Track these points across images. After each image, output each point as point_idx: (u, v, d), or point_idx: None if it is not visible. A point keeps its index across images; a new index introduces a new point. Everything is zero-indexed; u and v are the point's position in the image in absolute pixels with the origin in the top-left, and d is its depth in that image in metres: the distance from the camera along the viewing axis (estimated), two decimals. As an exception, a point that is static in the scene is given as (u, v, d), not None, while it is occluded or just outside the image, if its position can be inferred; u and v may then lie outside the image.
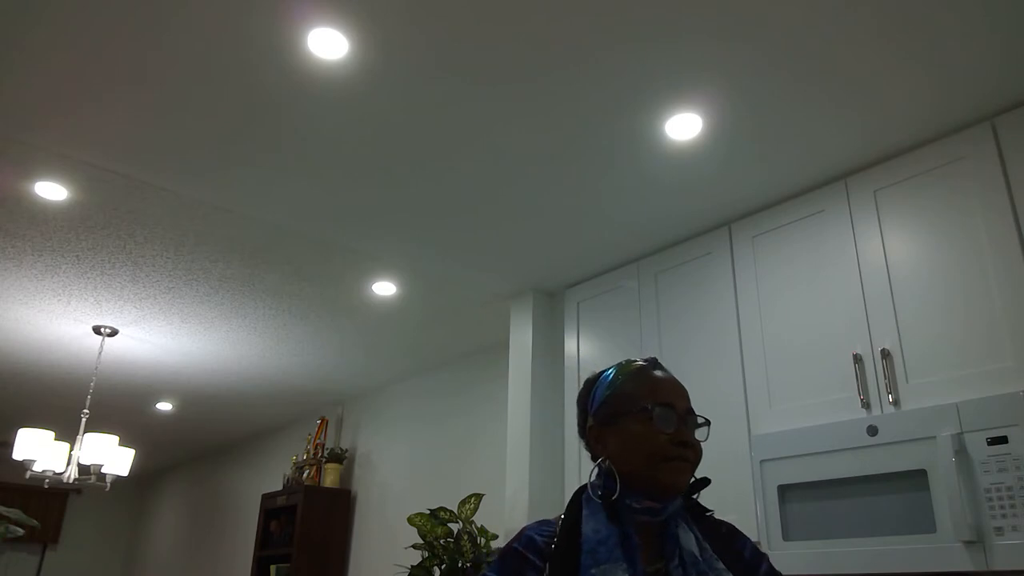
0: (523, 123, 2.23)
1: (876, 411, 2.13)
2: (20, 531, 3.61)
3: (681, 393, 1.14)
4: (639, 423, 1.09)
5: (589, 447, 1.18)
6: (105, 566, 8.37)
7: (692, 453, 1.09)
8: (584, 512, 1.09)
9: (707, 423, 1.14)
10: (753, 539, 2.28)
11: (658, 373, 1.16)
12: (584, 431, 1.19)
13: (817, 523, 2.10)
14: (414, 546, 3.42)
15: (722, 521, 1.19)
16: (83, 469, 6.41)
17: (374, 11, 1.82)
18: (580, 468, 2.94)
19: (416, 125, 2.25)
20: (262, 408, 5.85)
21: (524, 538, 1.08)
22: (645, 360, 1.19)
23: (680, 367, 2.70)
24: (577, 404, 1.23)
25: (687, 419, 1.11)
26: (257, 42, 1.93)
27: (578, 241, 2.92)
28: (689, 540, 1.09)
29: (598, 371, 1.22)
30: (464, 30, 1.87)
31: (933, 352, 2.07)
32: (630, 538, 1.05)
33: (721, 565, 1.09)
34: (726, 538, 1.16)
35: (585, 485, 1.15)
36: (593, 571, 1.00)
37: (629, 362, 1.19)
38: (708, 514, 1.16)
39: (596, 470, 1.14)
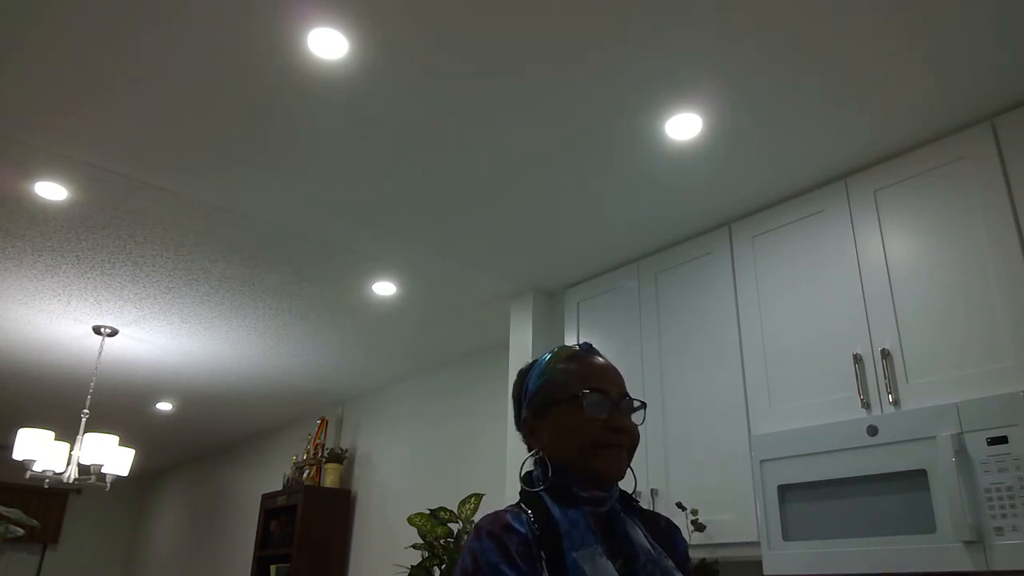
0: (523, 123, 2.23)
1: (876, 411, 2.13)
2: (20, 531, 3.61)
3: (614, 378, 1.11)
4: (571, 412, 1.07)
5: (525, 439, 1.14)
6: (105, 566, 8.37)
7: (627, 438, 1.07)
8: (546, 499, 1.05)
9: (643, 406, 1.11)
10: (753, 539, 2.29)
11: (590, 359, 1.13)
12: (519, 423, 1.16)
13: (817, 523, 2.10)
14: (414, 546, 3.42)
15: (659, 515, 1.17)
16: (83, 469, 6.41)
17: (374, 11, 1.82)
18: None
19: (416, 125, 2.25)
20: (262, 408, 5.85)
21: (515, 523, 0.99)
22: (579, 345, 1.16)
23: (680, 367, 2.70)
24: (512, 396, 1.19)
25: (620, 404, 1.08)
26: (257, 42, 1.93)
27: (578, 241, 2.92)
28: (638, 535, 1.07)
29: (531, 360, 1.19)
30: (464, 30, 1.87)
31: (933, 352, 2.07)
32: (591, 525, 1.03)
33: (670, 562, 1.07)
34: (665, 532, 1.14)
35: (526, 475, 1.11)
36: (574, 554, 0.97)
37: (562, 349, 1.16)
38: (640, 505, 1.15)
39: (530, 461, 1.11)
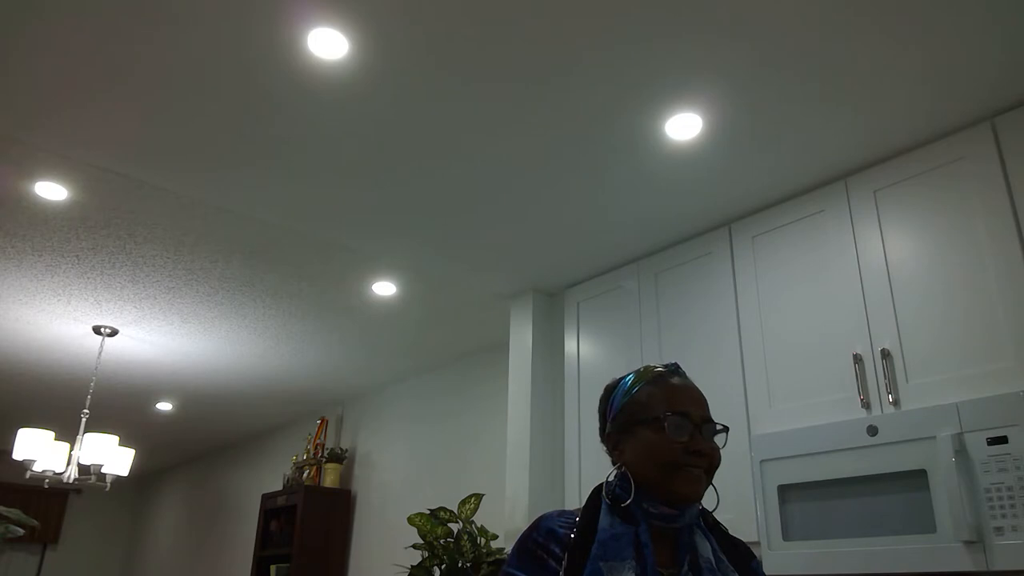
0: (524, 123, 2.23)
1: (876, 411, 2.13)
2: (20, 531, 3.61)
3: (698, 401, 1.14)
4: (653, 431, 1.10)
5: (609, 452, 1.19)
6: (105, 566, 8.37)
7: (706, 461, 1.09)
8: (603, 507, 1.10)
9: (725, 430, 1.14)
10: (753, 539, 2.29)
11: (675, 380, 1.16)
12: (604, 437, 1.20)
13: (817, 523, 2.10)
14: (414, 546, 3.42)
15: (738, 539, 1.20)
16: (83, 469, 6.41)
17: (374, 11, 1.82)
18: (580, 468, 2.94)
19: (416, 125, 2.25)
20: (262, 408, 5.85)
21: (544, 529, 1.08)
22: (664, 367, 1.19)
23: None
24: (598, 410, 1.24)
25: (703, 427, 1.11)
26: (257, 42, 1.93)
27: (578, 241, 2.92)
28: (706, 548, 1.10)
29: (618, 377, 1.23)
30: (465, 30, 1.87)
31: (933, 352, 2.07)
32: (642, 539, 1.05)
33: (735, 574, 1.10)
34: (743, 556, 1.17)
35: (603, 483, 1.16)
36: (601, 563, 1.01)
37: (648, 369, 1.19)
38: (723, 529, 1.18)
39: (615, 473, 1.15)
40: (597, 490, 1.15)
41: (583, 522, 1.08)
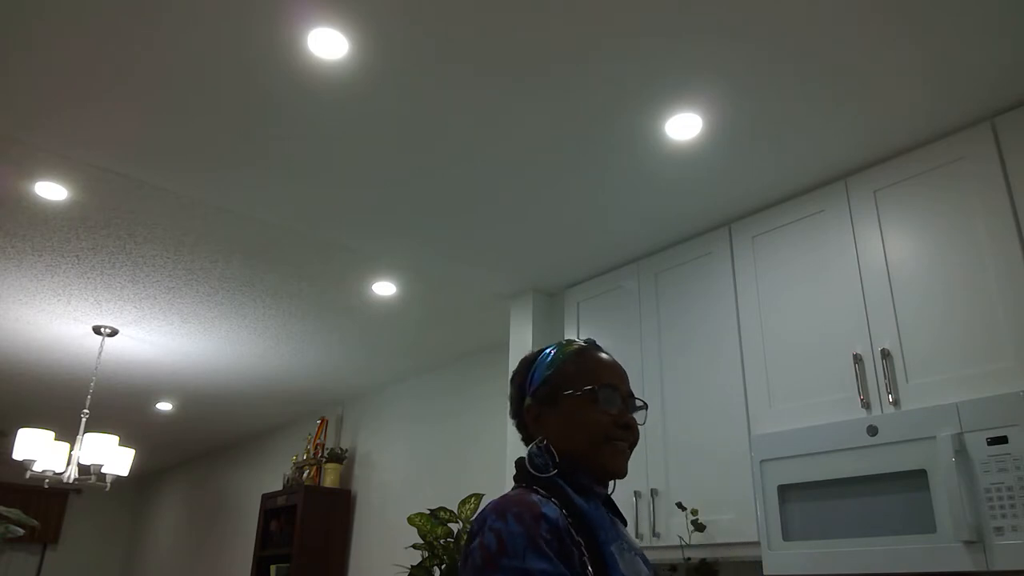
0: (523, 123, 2.23)
1: (876, 411, 2.13)
2: (20, 531, 3.61)
3: (623, 376, 1.12)
4: (584, 403, 1.07)
5: (523, 428, 1.13)
6: (105, 566, 8.37)
7: (632, 435, 1.08)
8: (565, 488, 1.02)
9: (645, 407, 1.13)
10: (753, 539, 2.29)
11: (602, 355, 1.14)
12: (519, 411, 1.14)
13: (817, 523, 2.10)
14: (414, 546, 3.42)
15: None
16: (83, 469, 6.41)
17: (374, 11, 1.82)
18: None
19: (416, 125, 2.25)
20: (262, 408, 5.85)
21: (551, 521, 0.93)
22: (586, 341, 1.16)
23: (680, 367, 2.70)
24: (511, 383, 1.17)
25: (628, 402, 1.10)
26: (257, 42, 1.93)
27: (578, 241, 2.92)
28: (628, 534, 1.09)
29: (536, 350, 1.18)
30: (465, 31, 1.87)
31: (933, 352, 2.07)
32: (609, 517, 1.04)
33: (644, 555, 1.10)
34: None
35: (522, 460, 1.07)
36: (611, 547, 0.97)
37: (569, 342, 1.15)
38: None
39: (534, 449, 1.08)
40: (524, 467, 1.06)
41: (565, 503, 0.98)
